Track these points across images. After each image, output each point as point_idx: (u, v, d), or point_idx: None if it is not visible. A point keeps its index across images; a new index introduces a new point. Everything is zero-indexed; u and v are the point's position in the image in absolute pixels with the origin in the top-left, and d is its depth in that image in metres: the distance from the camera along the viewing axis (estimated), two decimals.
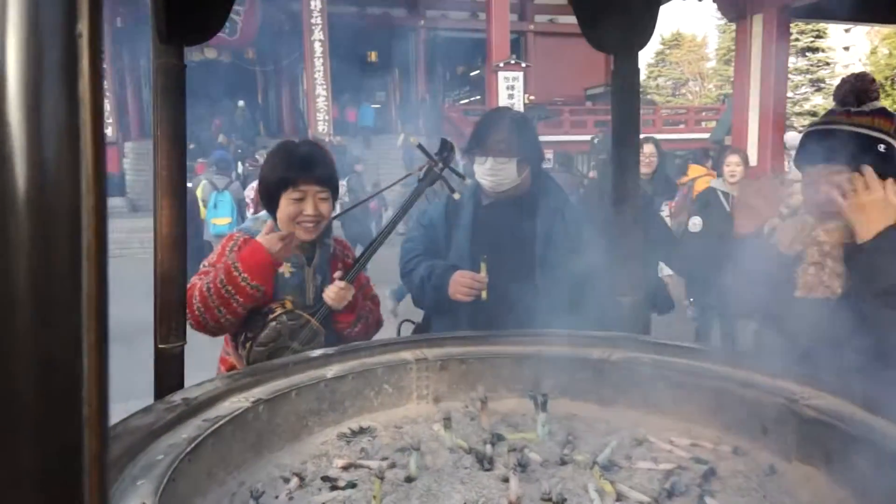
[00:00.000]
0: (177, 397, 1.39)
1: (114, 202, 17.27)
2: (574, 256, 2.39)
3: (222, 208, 10.73)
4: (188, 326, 2.07)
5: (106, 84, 17.69)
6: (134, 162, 19.46)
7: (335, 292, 2.17)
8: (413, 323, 2.78)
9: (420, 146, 2.35)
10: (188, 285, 2.06)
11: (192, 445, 1.24)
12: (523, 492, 1.26)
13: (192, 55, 20.82)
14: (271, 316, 2.10)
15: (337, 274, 2.21)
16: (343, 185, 11.29)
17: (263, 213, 2.28)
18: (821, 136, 1.82)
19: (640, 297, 1.95)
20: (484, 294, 2.34)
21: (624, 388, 1.69)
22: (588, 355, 1.75)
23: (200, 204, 11.13)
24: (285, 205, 2.15)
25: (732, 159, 5.20)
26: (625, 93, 1.95)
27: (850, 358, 1.58)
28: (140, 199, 17.64)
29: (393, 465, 1.42)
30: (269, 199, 2.21)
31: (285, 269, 2.18)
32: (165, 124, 1.53)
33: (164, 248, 1.54)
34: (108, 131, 18.10)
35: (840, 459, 1.28)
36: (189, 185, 11.42)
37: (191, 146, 17.10)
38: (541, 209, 2.51)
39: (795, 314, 1.75)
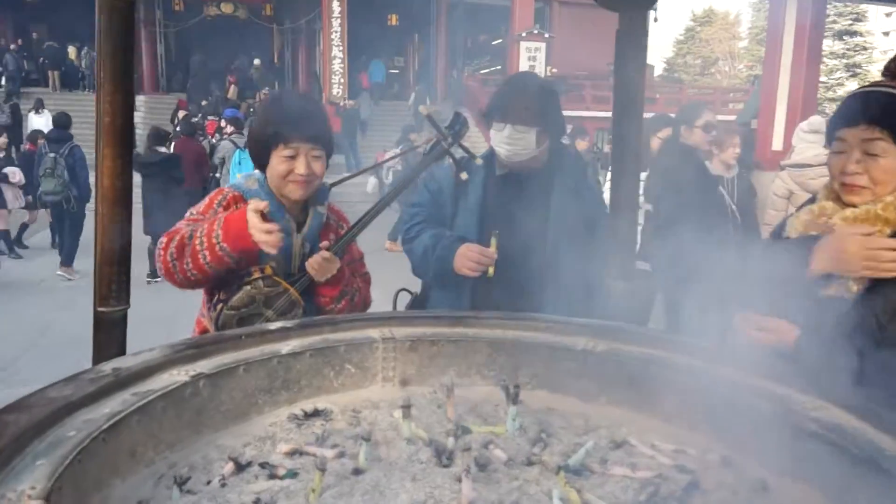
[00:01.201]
0: (107, 367, 1.26)
1: None
2: (588, 239, 2.25)
3: (246, 164, 10.80)
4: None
5: None
6: (146, 116, 19.38)
7: (318, 263, 2.03)
8: (410, 293, 2.65)
9: (429, 117, 2.18)
10: (174, 228, 1.94)
11: (111, 422, 1.11)
12: (477, 495, 1.13)
13: (209, 10, 20.66)
14: (247, 279, 1.97)
15: (324, 244, 2.07)
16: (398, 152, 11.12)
17: (257, 171, 2.14)
18: (860, 98, 1.66)
19: (633, 281, 1.79)
20: (491, 270, 2.22)
21: (608, 383, 1.54)
22: (572, 345, 1.60)
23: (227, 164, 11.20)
24: (276, 162, 2.01)
25: (736, 140, 4.96)
26: (629, 59, 1.77)
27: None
28: None
29: (342, 455, 1.29)
30: (258, 155, 2.08)
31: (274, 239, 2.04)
32: (109, 64, 1.38)
33: (105, 202, 1.40)
34: None
35: (841, 482, 1.13)
36: (163, 149, 11.39)
37: (203, 103, 17.02)
38: (557, 186, 2.36)
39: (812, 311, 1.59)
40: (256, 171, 2.12)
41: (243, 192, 2.06)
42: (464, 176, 2.22)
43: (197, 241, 1.86)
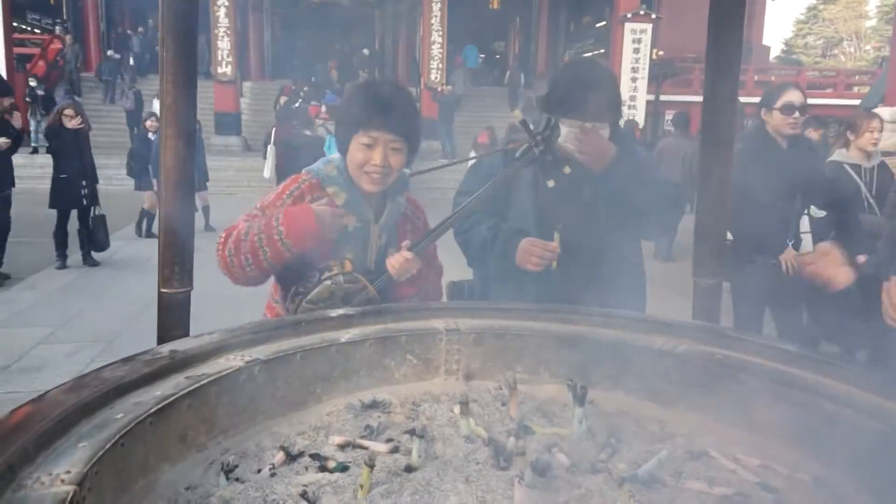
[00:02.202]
0: (165, 349, 1.26)
1: (229, 140, 17.99)
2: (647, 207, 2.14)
3: (335, 150, 11.15)
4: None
5: (227, 23, 18.25)
6: (251, 102, 20.01)
7: (400, 263, 1.97)
8: (455, 283, 2.57)
9: (524, 122, 2.09)
10: (233, 224, 1.94)
11: (160, 405, 1.10)
12: None
13: None
14: (327, 274, 1.95)
15: (405, 243, 2.02)
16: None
17: (336, 155, 2.12)
18: None
19: (722, 279, 1.64)
20: (554, 264, 2.14)
21: (688, 387, 1.41)
22: (649, 344, 1.48)
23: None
24: (354, 149, 1.98)
25: (874, 125, 4.50)
26: (723, 36, 1.60)
27: None
28: (254, 139, 18.19)
29: (396, 450, 1.24)
30: (341, 139, 2.05)
31: (350, 222, 2.02)
32: (171, 48, 1.37)
33: (168, 185, 1.41)
34: (227, 70, 18.72)
35: None
36: (308, 132, 11.74)
37: (304, 89, 17.48)
38: (612, 164, 2.19)
39: None
40: (336, 157, 2.10)
41: (322, 178, 2.03)
42: (551, 183, 2.12)
43: (255, 238, 1.84)
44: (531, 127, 2.09)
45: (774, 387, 1.30)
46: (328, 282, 1.94)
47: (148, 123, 10.16)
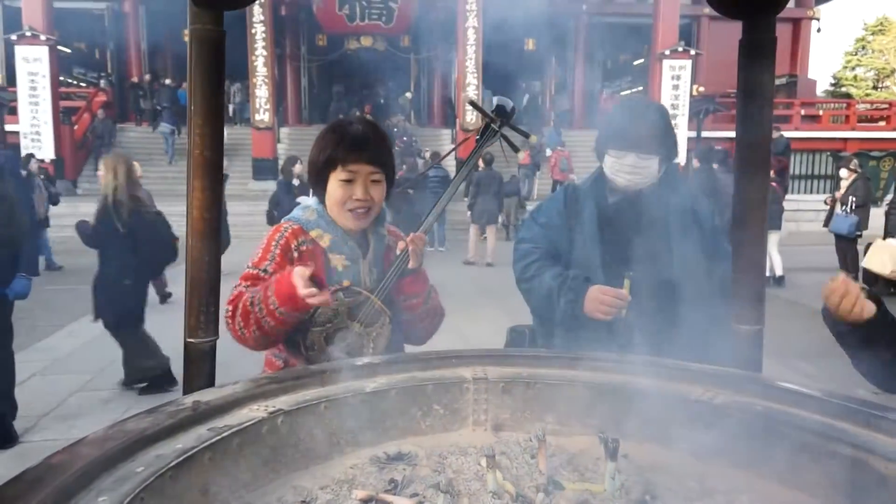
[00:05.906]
0: (188, 400, 1.26)
1: (267, 185, 18.31)
2: (713, 259, 2.15)
3: None
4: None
5: (265, 72, 18.75)
6: (288, 147, 20.41)
7: (417, 242, 1.97)
8: (517, 331, 2.51)
9: (472, 103, 2.14)
10: (236, 292, 1.91)
11: (181, 458, 1.09)
12: None
13: (350, 43, 21.77)
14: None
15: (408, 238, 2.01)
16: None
17: (312, 199, 2.10)
18: None
19: (762, 325, 1.57)
20: (625, 312, 2.09)
21: (728, 441, 1.34)
22: (686, 394, 1.42)
23: None
24: (334, 187, 1.96)
25: None
26: (754, 74, 1.56)
27: None
28: None
29: None
30: (316, 180, 2.02)
31: (338, 263, 2.00)
32: (200, 99, 1.39)
33: (195, 235, 1.42)
34: (265, 118, 19.30)
35: None
36: None
37: None
38: (671, 206, 2.24)
39: None
40: (312, 201, 2.08)
41: (302, 223, 2.01)
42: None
43: (257, 309, 1.80)
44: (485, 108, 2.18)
45: (819, 441, 1.23)
46: None
47: (297, 169, 9.37)
